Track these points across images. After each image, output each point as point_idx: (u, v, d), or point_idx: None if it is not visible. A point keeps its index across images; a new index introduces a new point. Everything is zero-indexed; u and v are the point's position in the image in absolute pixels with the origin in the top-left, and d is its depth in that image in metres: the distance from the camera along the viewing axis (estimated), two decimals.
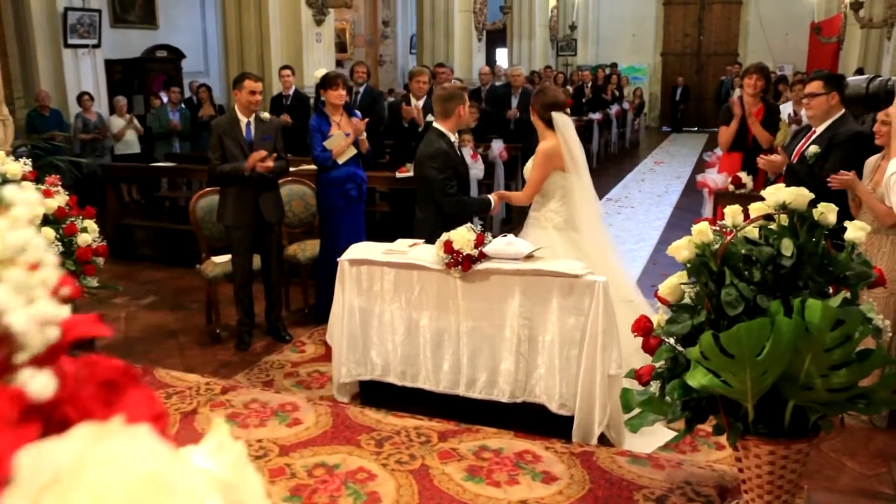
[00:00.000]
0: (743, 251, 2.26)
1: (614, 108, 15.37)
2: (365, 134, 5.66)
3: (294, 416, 3.50)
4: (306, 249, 5.97)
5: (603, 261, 4.19)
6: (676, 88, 20.68)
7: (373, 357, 4.15)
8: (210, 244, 5.74)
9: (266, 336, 5.50)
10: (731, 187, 5.55)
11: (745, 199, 5.69)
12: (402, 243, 4.12)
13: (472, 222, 4.09)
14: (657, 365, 2.42)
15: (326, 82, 5.57)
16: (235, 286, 5.38)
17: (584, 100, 13.99)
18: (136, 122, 10.81)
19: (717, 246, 2.28)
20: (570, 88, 14.44)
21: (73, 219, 3.96)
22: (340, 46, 18.83)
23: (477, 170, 7.82)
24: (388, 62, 19.48)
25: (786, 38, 20.08)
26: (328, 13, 9.62)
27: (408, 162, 5.84)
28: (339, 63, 18.00)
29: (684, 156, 15.92)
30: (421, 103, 6.77)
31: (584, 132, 12.96)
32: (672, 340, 2.41)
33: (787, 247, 2.23)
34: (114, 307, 6.41)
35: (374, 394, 4.19)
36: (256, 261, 5.45)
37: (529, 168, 4.37)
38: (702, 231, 2.25)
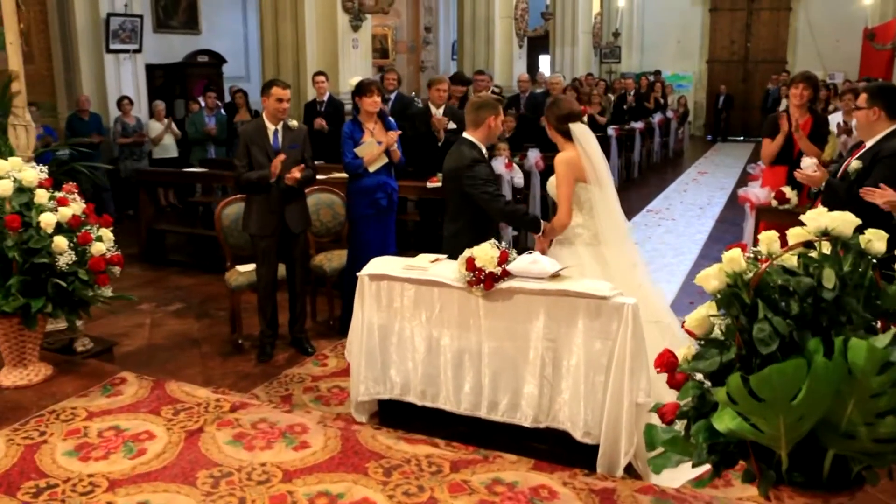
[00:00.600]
0: (779, 282, 2.04)
1: (657, 117, 15.03)
2: (397, 144, 5.55)
3: (302, 439, 3.35)
4: (333, 259, 5.84)
5: (631, 278, 3.98)
6: (719, 97, 20.23)
7: (392, 375, 4.00)
8: (235, 252, 5.66)
9: (289, 347, 5.40)
10: (775, 202, 5.28)
11: (788, 216, 5.43)
12: (423, 258, 3.96)
13: (497, 237, 3.92)
14: (682, 403, 2.22)
15: (361, 89, 5.48)
16: (259, 296, 5.29)
17: (625, 107, 13.69)
18: (173, 126, 10.86)
19: (750, 275, 2.07)
20: (611, 97, 14.15)
21: (88, 227, 3.87)
22: (383, 52, 18.86)
23: (518, 177, 7.65)
24: (429, 68, 19.41)
25: (837, 45, 19.47)
26: (365, 19, 9.54)
27: (438, 171, 5.68)
28: (380, 69, 18.01)
29: (729, 166, 15.51)
30: (441, 111, 6.62)
31: (625, 141, 12.69)
32: (700, 375, 2.21)
33: (829, 278, 2.01)
34: (140, 313, 6.37)
35: (394, 413, 4.04)
36: (282, 270, 5.36)
37: (553, 184, 4.17)
38: (733, 259, 2.04)
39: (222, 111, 11.18)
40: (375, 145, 5.43)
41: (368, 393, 4.05)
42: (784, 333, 1.96)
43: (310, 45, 9.40)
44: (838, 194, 3.97)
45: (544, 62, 20.29)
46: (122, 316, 6.30)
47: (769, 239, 2.11)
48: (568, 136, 4.08)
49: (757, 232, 5.54)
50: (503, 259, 3.57)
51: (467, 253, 3.63)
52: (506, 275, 3.57)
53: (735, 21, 21.35)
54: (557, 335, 3.53)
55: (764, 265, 2.05)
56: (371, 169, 5.49)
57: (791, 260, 2.11)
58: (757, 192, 5.40)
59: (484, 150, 4.27)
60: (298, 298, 5.34)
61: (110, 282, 3.99)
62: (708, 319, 2.14)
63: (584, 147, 4.07)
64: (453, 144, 4.52)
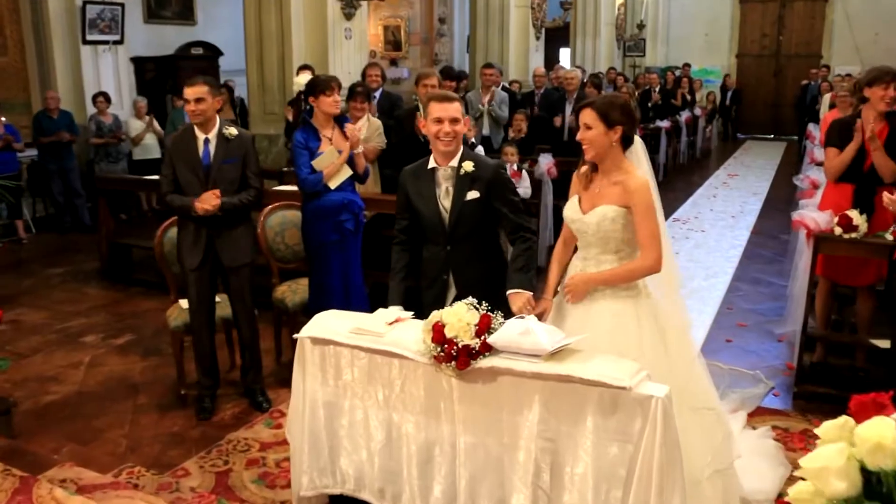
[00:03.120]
0: None
1: (684, 115, 13.90)
2: (362, 147, 4.60)
3: None
4: (297, 292, 4.88)
5: (688, 346, 3.01)
6: (727, 91, 18.93)
7: (343, 466, 3.05)
8: (181, 284, 4.73)
9: (242, 399, 4.49)
10: (839, 230, 4.23)
11: (855, 247, 4.37)
12: (380, 316, 2.97)
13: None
14: None
15: (317, 87, 4.50)
16: (193, 339, 4.38)
17: (650, 105, 12.58)
18: (155, 124, 9.97)
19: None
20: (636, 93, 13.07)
21: None
22: (395, 45, 18.03)
23: (525, 188, 6.65)
24: (443, 61, 18.48)
25: (876, 38, 18.19)
26: (359, 6, 8.53)
27: None
28: (393, 62, 17.11)
29: (760, 167, 14.35)
30: None
31: (650, 142, 11.62)
32: None
33: None
34: (81, 348, 5.48)
35: None
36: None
37: (601, 217, 2.92)
38: (881, 444, 1.04)
39: None
40: (336, 155, 4.48)
41: (314, 486, 3.12)
42: None
43: (296, 35, 8.40)
44: None
45: (564, 56, 19.21)
46: (61, 351, 5.42)
47: None
48: (627, 146, 2.99)
49: (815, 266, 4.50)
50: (483, 327, 2.58)
51: (435, 316, 2.65)
52: (487, 349, 2.58)
53: (767, 13, 20.06)
54: (557, 434, 2.55)
55: None
56: (333, 185, 4.54)
57: None
58: (815, 217, 4.34)
59: (432, 163, 3.31)
60: (248, 345, 4.40)
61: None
62: None
63: (641, 163, 3.02)
64: None
